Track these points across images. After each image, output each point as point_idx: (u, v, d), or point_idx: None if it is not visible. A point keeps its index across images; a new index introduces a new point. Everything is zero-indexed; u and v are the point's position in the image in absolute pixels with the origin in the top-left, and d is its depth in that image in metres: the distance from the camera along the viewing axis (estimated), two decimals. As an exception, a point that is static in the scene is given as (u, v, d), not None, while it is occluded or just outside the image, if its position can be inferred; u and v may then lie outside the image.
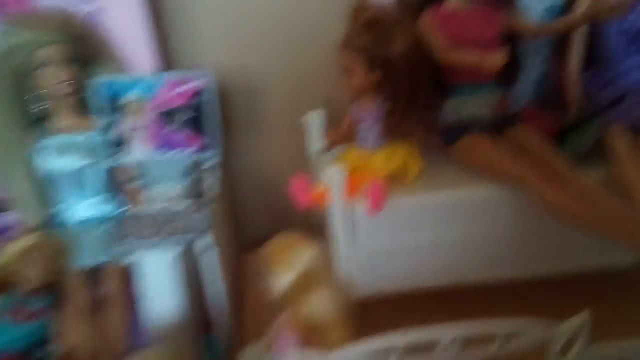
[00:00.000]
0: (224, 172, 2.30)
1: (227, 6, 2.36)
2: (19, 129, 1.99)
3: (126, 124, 1.98)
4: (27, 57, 1.93)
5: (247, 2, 2.36)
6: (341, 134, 2.06)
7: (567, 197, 1.79)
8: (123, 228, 1.87)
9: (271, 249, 1.79)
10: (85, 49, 2.01)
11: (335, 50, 1.98)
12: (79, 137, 2.02)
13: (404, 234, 1.93)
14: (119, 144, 2.00)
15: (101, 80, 1.95)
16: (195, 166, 2.07)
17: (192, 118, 1.98)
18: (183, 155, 2.01)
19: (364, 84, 1.92)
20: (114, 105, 1.97)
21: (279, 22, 2.38)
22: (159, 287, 1.78)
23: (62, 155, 2.01)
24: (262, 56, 2.43)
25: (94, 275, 2.01)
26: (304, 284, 1.74)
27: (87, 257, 1.99)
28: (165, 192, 2.01)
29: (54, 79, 1.95)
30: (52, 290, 1.93)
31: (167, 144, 2.00)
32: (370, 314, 1.74)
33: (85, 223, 2.06)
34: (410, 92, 1.91)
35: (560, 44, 2.14)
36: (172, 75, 2.01)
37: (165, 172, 2.03)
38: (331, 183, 1.83)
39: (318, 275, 1.77)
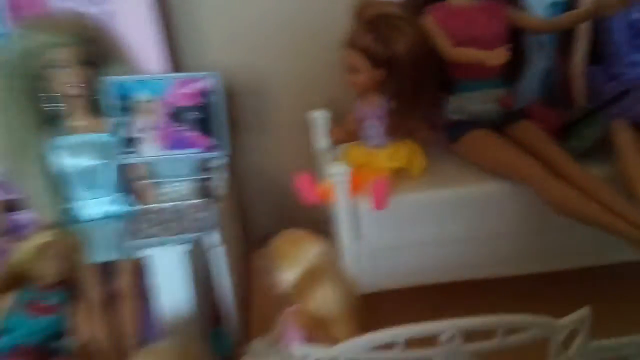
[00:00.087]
0: (231, 171, 2.31)
1: (233, 8, 2.37)
2: (34, 129, 2.01)
3: (137, 124, 1.99)
4: (41, 58, 1.95)
5: (252, 4, 2.37)
6: (346, 132, 2.06)
7: (571, 192, 1.78)
8: (134, 225, 1.88)
9: (277, 245, 1.79)
10: (97, 50, 2.03)
11: (340, 50, 1.98)
12: (92, 137, 2.04)
13: (408, 230, 1.93)
14: (129, 143, 2.01)
15: (112, 81, 1.96)
16: (204, 165, 2.09)
17: (200, 118, 1.99)
18: (191, 155, 2.02)
19: (368, 82, 1.92)
20: (125, 106, 1.98)
21: (284, 22, 2.39)
22: (169, 282, 1.80)
23: (75, 154, 2.04)
24: (268, 56, 2.44)
25: (107, 270, 2.03)
26: (310, 279, 1.75)
27: (100, 253, 2.01)
28: (175, 191, 2.02)
29: (66, 80, 1.97)
30: (67, 285, 1.96)
31: (176, 144, 2.01)
32: (376, 309, 1.74)
33: (98, 220, 2.09)
34: (414, 90, 1.90)
35: (565, 39, 2.13)
36: (181, 76, 2.01)
37: (174, 171, 2.03)
38: (335, 180, 1.84)
39: (323, 270, 1.78)
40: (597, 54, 2.05)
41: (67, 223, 2.06)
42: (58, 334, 1.90)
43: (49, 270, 1.91)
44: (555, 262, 1.98)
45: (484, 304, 1.49)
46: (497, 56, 1.82)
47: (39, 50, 1.94)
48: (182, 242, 1.78)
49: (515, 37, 2.07)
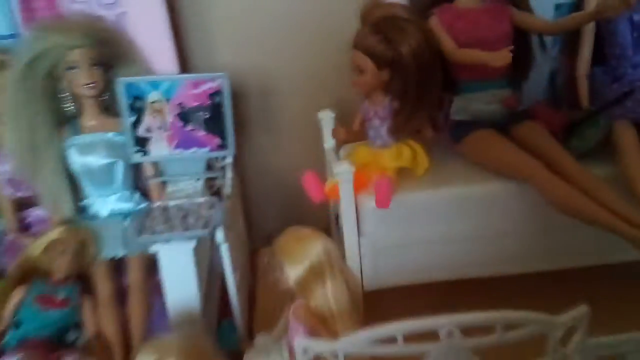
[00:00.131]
0: (238, 170, 2.34)
1: (242, 9, 2.39)
2: (49, 127, 2.03)
3: (147, 124, 2.02)
4: (56, 59, 1.97)
5: (261, 6, 2.38)
6: (351, 132, 2.07)
7: (573, 192, 1.78)
8: (143, 222, 1.89)
9: (282, 242, 1.81)
10: (109, 52, 2.05)
11: (347, 51, 1.99)
12: (104, 136, 2.07)
13: (411, 228, 1.93)
14: (140, 142, 2.03)
15: (124, 81, 1.98)
16: (211, 164, 2.11)
17: (208, 118, 2.01)
18: (200, 154, 2.04)
19: (374, 83, 1.93)
20: (136, 106, 2.00)
21: (292, 24, 2.40)
22: (175, 277, 1.81)
23: (87, 153, 2.06)
24: (276, 57, 2.45)
25: (119, 265, 2.06)
26: (313, 276, 1.76)
27: (112, 248, 2.04)
28: (183, 189, 2.04)
29: (79, 81, 1.99)
30: (80, 279, 2.01)
31: (184, 143, 2.03)
32: (379, 306, 1.75)
33: (111, 217, 2.11)
34: (419, 90, 1.91)
35: (570, 40, 2.13)
36: (190, 77, 2.03)
37: (183, 170, 2.06)
38: (340, 179, 1.85)
39: (327, 267, 1.79)
40: (602, 55, 2.05)
41: (78, 220, 2.09)
42: (68, 328, 1.93)
43: (60, 265, 1.95)
44: (557, 261, 1.98)
45: (486, 302, 1.44)
46: (501, 57, 1.82)
47: (53, 52, 1.97)
48: (187, 239, 1.79)
49: (521, 38, 2.07)
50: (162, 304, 1.89)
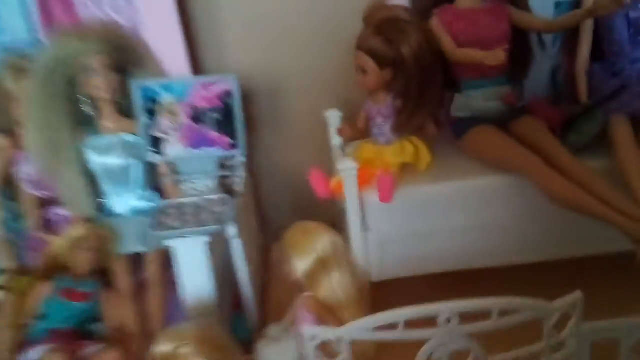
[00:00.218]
0: (249, 169, 2.39)
1: (251, 14, 2.44)
2: (70, 129, 2.10)
3: (161, 125, 2.08)
4: (75, 65, 2.04)
5: (270, 10, 2.43)
6: (357, 130, 2.11)
7: (568, 185, 1.83)
8: (159, 219, 1.96)
9: (290, 236, 1.87)
10: (125, 56, 2.11)
11: (352, 52, 2.03)
12: (121, 137, 2.13)
13: (414, 221, 1.98)
14: (155, 143, 2.09)
15: (140, 85, 2.05)
16: (223, 163, 2.16)
17: (220, 118, 2.06)
18: (212, 153, 2.09)
19: (377, 82, 1.98)
20: (151, 108, 2.06)
21: (301, 26, 2.45)
22: (190, 270, 1.88)
23: (105, 153, 2.13)
24: (285, 59, 2.50)
25: (136, 261, 2.13)
26: (320, 268, 1.82)
27: (130, 245, 2.11)
28: (197, 187, 2.09)
29: (97, 84, 2.06)
30: (99, 274, 2.08)
31: (197, 143, 2.09)
32: (384, 297, 1.79)
33: (129, 214, 2.18)
34: (420, 89, 1.95)
35: (570, 38, 2.17)
36: (202, 79, 2.10)
37: (197, 168, 2.11)
38: (344, 175, 1.90)
39: (333, 260, 1.85)
40: (601, 52, 2.08)
41: (98, 218, 2.15)
42: (91, 319, 2.02)
43: (83, 261, 2.03)
44: (555, 252, 2.02)
45: (486, 292, 1.47)
46: (495, 57, 1.87)
47: (72, 57, 2.03)
48: (201, 234, 1.85)
49: (520, 37, 2.11)
50: (179, 297, 1.96)
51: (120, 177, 2.16)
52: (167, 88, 2.06)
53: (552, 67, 2.30)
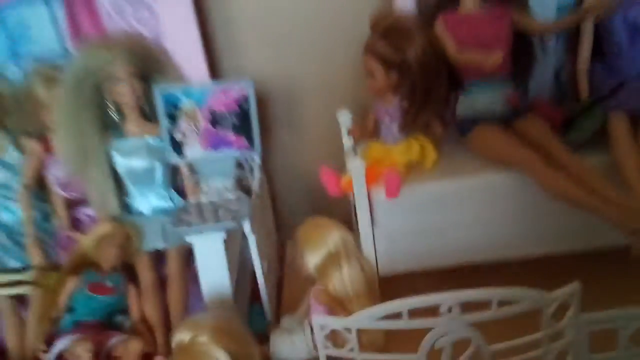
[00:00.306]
0: (265, 168, 2.44)
1: (267, 21, 2.50)
2: (97, 134, 2.17)
3: (182, 128, 2.13)
4: (101, 74, 2.11)
5: (284, 16, 2.49)
6: (366, 130, 2.16)
7: (565, 181, 1.85)
8: (181, 216, 2.01)
9: (302, 231, 1.93)
10: (148, 65, 2.19)
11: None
12: (145, 140, 2.20)
13: (421, 217, 2.01)
14: (176, 145, 2.15)
15: (162, 91, 2.10)
16: (240, 163, 2.22)
17: (236, 121, 2.11)
18: (230, 154, 2.14)
19: (384, 85, 2.02)
20: (172, 112, 2.12)
21: (314, 31, 2.50)
22: (208, 265, 1.94)
23: (132, 155, 2.20)
24: (299, 64, 2.55)
25: (159, 257, 2.20)
26: (332, 261, 1.88)
27: (153, 241, 2.18)
28: (216, 186, 2.14)
29: (122, 91, 2.13)
30: (125, 269, 2.17)
31: (215, 145, 2.14)
32: (392, 290, 1.82)
33: (152, 213, 2.25)
34: (425, 91, 1.99)
35: (573, 39, 2.18)
36: (220, 84, 2.15)
37: (215, 169, 2.16)
38: (353, 173, 1.94)
39: (344, 254, 1.90)
40: (601, 52, 2.09)
41: (123, 216, 2.23)
42: (116, 312, 2.09)
43: (108, 257, 2.11)
44: (556, 245, 2.03)
45: (491, 284, 1.49)
46: (492, 59, 1.92)
47: (99, 66, 2.11)
48: (218, 230, 1.91)
49: (522, 39, 2.14)
50: (198, 291, 2.01)
51: (144, 178, 2.22)
52: (187, 94, 2.11)
53: (556, 67, 2.31)
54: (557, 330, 1.51)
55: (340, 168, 2.13)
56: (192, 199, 2.16)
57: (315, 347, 1.71)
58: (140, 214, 2.26)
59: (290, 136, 2.71)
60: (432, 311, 1.47)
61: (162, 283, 2.17)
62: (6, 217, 2.32)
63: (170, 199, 2.27)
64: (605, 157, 1.94)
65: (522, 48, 2.16)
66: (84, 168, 2.19)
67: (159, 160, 2.21)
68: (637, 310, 1.51)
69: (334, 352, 1.59)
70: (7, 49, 2.43)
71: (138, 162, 2.21)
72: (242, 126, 2.13)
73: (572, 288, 1.49)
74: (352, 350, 1.56)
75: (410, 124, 2.04)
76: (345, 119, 2.21)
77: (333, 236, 1.87)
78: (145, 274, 2.17)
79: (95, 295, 2.06)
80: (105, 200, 2.23)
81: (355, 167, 1.94)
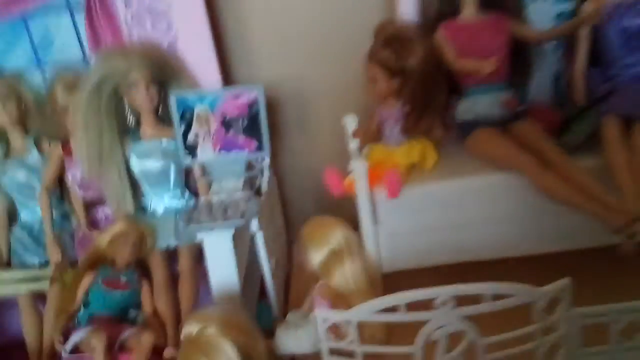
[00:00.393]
0: (275, 170, 2.49)
1: (277, 30, 2.59)
2: (114, 137, 2.24)
3: (196, 131, 2.19)
4: (119, 80, 2.19)
5: (295, 25, 2.57)
6: (370, 133, 2.21)
7: (558, 182, 1.89)
8: (192, 214, 2.07)
9: (307, 230, 1.97)
10: (163, 71, 2.26)
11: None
12: (160, 143, 2.27)
13: (421, 216, 2.05)
14: (191, 147, 2.20)
15: (176, 96, 2.16)
16: (251, 165, 2.27)
17: (247, 124, 2.17)
18: (240, 156, 2.20)
19: (386, 91, 2.08)
20: (186, 116, 2.18)
21: (321, 41, 2.57)
22: (217, 261, 1.98)
23: (147, 157, 2.27)
24: (308, 70, 2.62)
25: (172, 254, 2.26)
26: (335, 259, 1.90)
27: (165, 240, 2.25)
28: (227, 186, 2.20)
29: (139, 96, 2.21)
30: (139, 266, 2.22)
31: (227, 147, 2.19)
32: (395, 286, 1.87)
33: (165, 212, 2.31)
34: (426, 95, 2.05)
35: (571, 45, 2.22)
36: (232, 90, 2.21)
37: (226, 170, 2.23)
38: (356, 174, 1.99)
39: (347, 251, 1.93)
40: (598, 58, 2.13)
41: (138, 215, 2.30)
42: (129, 307, 2.15)
43: (123, 254, 2.16)
44: (553, 244, 2.06)
45: (489, 280, 1.52)
46: (488, 66, 1.97)
47: (116, 74, 2.18)
48: (227, 228, 1.95)
49: (520, 46, 2.19)
50: (208, 287, 2.04)
51: (158, 178, 2.29)
52: (201, 98, 2.17)
53: (555, 73, 2.36)
54: (549, 324, 1.54)
55: (347, 170, 2.18)
56: (203, 198, 2.21)
57: (317, 339, 1.75)
58: (155, 213, 2.32)
59: (300, 139, 2.76)
60: (430, 305, 1.50)
61: (174, 279, 2.22)
62: (27, 216, 2.42)
63: (184, 198, 2.33)
64: (599, 159, 1.98)
65: (520, 54, 2.21)
66: (102, 169, 2.25)
67: (173, 162, 2.28)
68: (628, 304, 1.54)
69: (335, 344, 1.62)
70: (32, 56, 2.53)
71: (153, 164, 2.28)
72: (253, 129, 2.18)
73: (562, 283, 1.52)
74: (352, 342, 1.60)
75: (411, 127, 2.10)
76: (351, 122, 2.26)
77: (336, 234, 1.91)
78: (158, 270, 2.22)
79: (110, 290, 2.11)
80: (122, 200, 2.29)
81: (358, 168, 1.99)
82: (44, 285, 2.29)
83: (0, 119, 2.36)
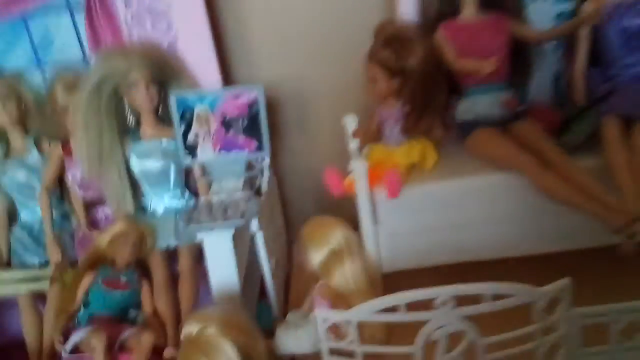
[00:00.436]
0: (275, 170, 2.49)
1: (278, 31, 2.59)
2: (114, 137, 2.24)
3: (196, 131, 2.19)
4: (119, 80, 2.19)
5: (294, 26, 2.57)
6: (370, 133, 2.21)
7: (558, 182, 1.89)
8: (192, 214, 2.07)
9: (307, 230, 1.96)
10: (163, 72, 2.26)
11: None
12: (160, 143, 2.27)
13: (421, 216, 2.05)
14: (191, 147, 2.20)
15: (176, 96, 2.16)
16: (251, 165, 2.27)
17: (247, 125, 2.17)
18: (240, 156, 2.19)
19: (386, 91, 2.08)
20: (186, 116, 2.18)
21: (321, 42, 2.58)
22: (216, 261, 1.98)
23: (147, 157, 2.27)
24: (308, 70, 2.62)
25: (172, 254, 2.25)
26: (334, 259, 1.90)
27: (165, 240, 2.24)
28: (227, 186, 2.20)
29: (139, 96, 2.20)
30: (139, 266, 2.22)
31: (227, 147, 2.19)
32: (395, 286, 1.87)
33: (166, 212, 2.31)
34: (426, 95, 2.05)
35: (572, 45, 2.22)
36: (232, 90, 2.21)
37: (226, 170, 2.22)
38: (356, 174, 1.99)
39: (347, 251, 1.93)
40: (598, 58, 2.13)
41: (138, 215, 2.29)
42: (129, 307, 2.15)
43: (123, 254, 2.16)
44: (553, 244, 2.06)
45: (489, 280, 1.52)
46: (487, 66, 1.97)
47: (116, 74, 2.18)
48: (226, 228, 1.95)
49: (520, 46, 2.19)
50: (208, 287, 2.04)
51: (158, 178, 2.29)
52: (201, 98, 2.17)
53: (555, 73, 2.36)
54: (549, 324, 1.54)
55: (347, 170, 2.18)
56: (203, 198, 2.21)
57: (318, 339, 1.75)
58: (155, 213, 2.32)
59: (301, 139, 2.77)
60: (430, 305, 1.50)
61: (174, 279, 2.22)
62: (27, 216, 2.42)
63: (184, 198, 2.33)
64: (599, 159, 1.98)
65: (520, 54, 2.21)
66: (102, 169, 2.25)
67: (173, 161, 2.28)
68: (628, 304, 1.54)
69: (335, 344, 1.62)
70: (32, 56, 2.53)
71: (153, 164, 2.28)
72: (253, 129, 2.18)
73: (562, 283, 1.52)
74: (352, 342, 1.60)
75: (411, 127, 2.10)
76: (351, 122, 2.26)
77: (336, 234, 1.90)
78: (158, 270, 2.22)
79: (110, 290, 2.11)
80: (122, 200, 2.29)
81: (358, 168, 1.99)
82: (44, 285, 2.29)
83: (0, 119, 2.35)
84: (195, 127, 2.20)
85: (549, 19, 2.28)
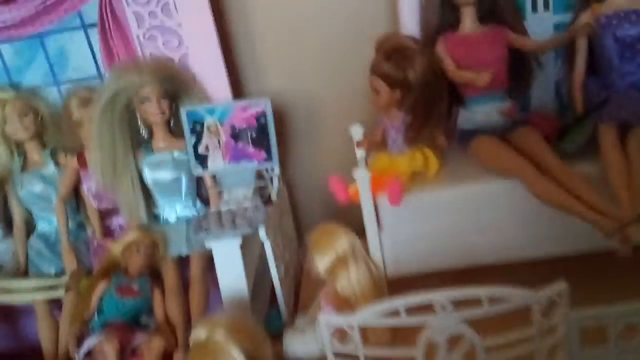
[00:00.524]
0: (285, 179, 2.54)
1: (286, 47, 2.65)
2: (127, 150, 2.32)
3: (206, 143, 2.26)
4: (132, 95, 2.26)
5: (303, 40, 2.63)
6: (374, 142, 2.23)
7: (555, 189, 1.91)
8: (202, 223, 2.12)
9: (313, 236, 2.01)
10: (174, 86, 2.32)
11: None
12: (172, 155, 2.34)
13: (424, 223, 2.08)
14: (201, 158, 2.28)
15: (188, 109, 2.24)
16: (260, 175, 2.32)
17: (255, 136, 2.23)
18: (249, 166, 2.26)
19: (389, 102, 2.12)
20: (197, 129, 2.25)
21: (329, 53, 2.63)
22: (227, 268, 2.04)
23: (159, 168, 2.34)
24: (316, 82, 2.68)
25: (183, 262, 2.31)
26: (340, 265, 1.94)
27: (177, 248, 2.31)
28: (237, 196, 2.25)
29: (151, 110, 2.27)
30: (151, 273, 2.28)
31: (237, 157, 2.26)
32: (403, 290, 1.90)
33: (177, 221, 2.37)
34: (427, 106, 2.09)
35: (571, 54, 2.23)
36: (241, 102, 2.27)
37: (236, 180, 2.27)
38: (359, 182, 2.04)
39: (351, 257, 1.97)
40: (596, 67, 2.16)
41: (151, 225, 2.36)
42: (142, 313, 2.21)
43: (136, 262, 2.23)
44: (554, 249, 2.08)
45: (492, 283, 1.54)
46: (482, 78, 2.02)
47: (129, 89, 2.25)
48: (234, 236, 2.01)
49: (519, 57, 2.22)
50: (219, 294, 2.10)
51: (170, 189, 2.35)
52: (211, 111, 2.24)
53: (556, 81, 2.40)
54: (548, 326, 1.56)
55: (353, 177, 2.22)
56: (213, 208, 2.26)
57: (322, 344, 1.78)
58: (167, 222, 2.38)
59: (310, 148, 2.82)
60: (431, 308, 1.52)
61: (185, 286, 2.27)
62: (44, 227, 2.50)
63: (195, 208, 2.39)
64: (595, 166, 2.01)
65: (520, 64, 2.25)
66: (115, 181, 2.32)
67: (184, 172, 2.34)
68: (627, 306, 1.56)
69: (339, 348, 1.66)
70: (48, 73, 2.61)
71: (165, 175, 2.34)
72: (262, 139, 2.24)
73: (559, 286, 1.53)
74: (354, 345, 1.62)
75: (414, 136, 2.14)
76: (357, 132, 2.31)
77: (341, 241, 1.95)
78: (170, 277, 2.28)
79: (122, 297, 2.17)
80: (135, 210, 2.36)
81: (361, 176, 2.04)
82: (60, 293, 2.36)
83: (18, 134, 2.44)
84: (205, 139, 2.26)
85: (548, 29, 2.31)
